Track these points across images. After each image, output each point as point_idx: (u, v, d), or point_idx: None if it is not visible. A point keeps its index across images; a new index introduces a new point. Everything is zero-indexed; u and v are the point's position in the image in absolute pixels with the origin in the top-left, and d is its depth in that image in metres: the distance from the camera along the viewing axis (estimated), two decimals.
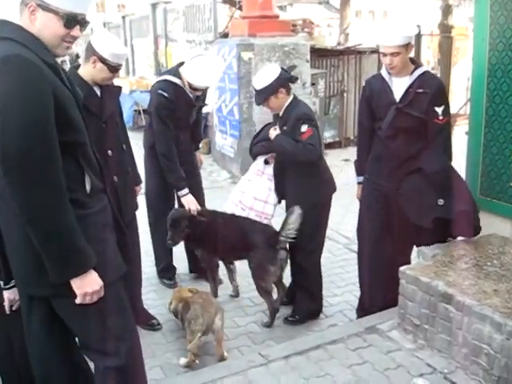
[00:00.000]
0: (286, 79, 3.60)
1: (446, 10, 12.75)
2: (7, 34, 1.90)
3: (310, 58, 8.05)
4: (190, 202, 4.03)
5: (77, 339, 2.33)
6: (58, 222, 1.88)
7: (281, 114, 3.65)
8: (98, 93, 3.32)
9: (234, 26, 8.48)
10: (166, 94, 4.03)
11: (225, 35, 9.06)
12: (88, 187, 2.09)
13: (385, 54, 3.25)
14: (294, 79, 3.69)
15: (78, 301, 1.99)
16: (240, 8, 8.77)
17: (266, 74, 3.59)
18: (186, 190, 4.07)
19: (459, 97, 11.62)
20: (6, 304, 2.40)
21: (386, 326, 3.45)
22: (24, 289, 2.15)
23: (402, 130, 3.36)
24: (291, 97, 3.64)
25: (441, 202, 3.29)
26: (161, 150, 4.05)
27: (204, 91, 4.31)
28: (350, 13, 15.51)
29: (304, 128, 3.50)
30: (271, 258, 3.70)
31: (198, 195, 4.32)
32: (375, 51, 9.60)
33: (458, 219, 3.28)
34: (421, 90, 3.25)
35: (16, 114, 1.79)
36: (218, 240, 3.76)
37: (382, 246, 3.57)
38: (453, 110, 11.52)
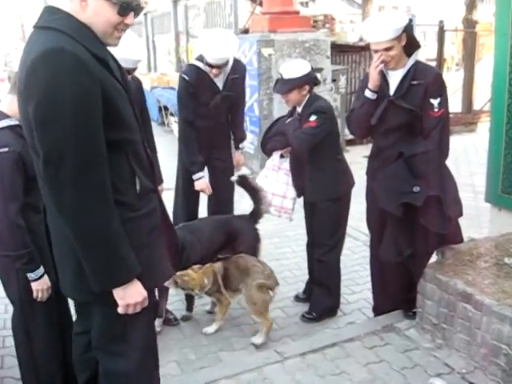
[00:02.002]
0: (313, 78, 3.59)
1: (471, 5, 12.55)
2: (53, 24, 1.76)
3: (332, 54, 8.00)
4: (200, 185, 4.10)
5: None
6: (100, 229, 1.76)
7: (300, 111, 3.63)
8: None
9: (255, 21, 8.45)
10: (186, 77, 4.04)
11: (245, 31, 9.04)
12: (138, 188, 1.94)
13: (377, 51, 3.11)
14: (318, 82, 3.69)
15: (120, 311, 1.89)
16: (260, 4, 8.74)
17: (297, 67, 3.56)
18: (199, 175, 4.10)
19: (484, 93, 11.43)
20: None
21: (403, 325, 3.42)
22: (65, 292, 2.08)
23: (393, 126, 3.22)
24: (309, 94, 3.62)
25: (416, 188, 3.07)
26: (179, 133, 4.05)
27: (233, 79, 4.18)
28: (372, 8, 15.35)
29: (312, 118, 3.50)
30: (256, 237, 3.90)
31: (226, 196, 4.32)
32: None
33: (426, 206, 3.06)
34: (415, 82, 3.11)
35: (55, 113, 1.68)
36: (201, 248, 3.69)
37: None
38: (477, 106, 11.43)
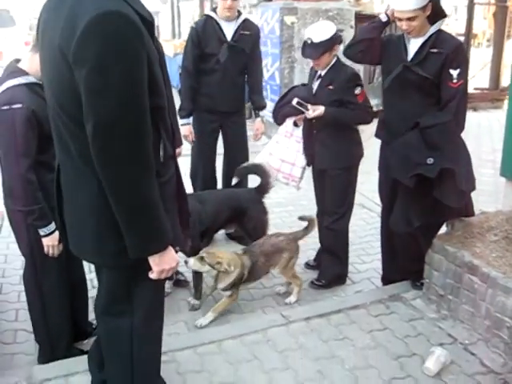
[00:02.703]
0: (339, 37, 3.55)
1: None
2: None
3: (357, 25, 7.87)
4: (184, 131, 4.20)
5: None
6: (145, 197, 1.75)
7: (323, 74, 3.58)
8: None
9: None
10: (194, 25, 4.13)
11: None
12: (162, 154, 1.92)
13: (400, 19, 3.08)
14: (342, 40, 3.67)
15: (153, 276, 1.89)
16: None
17: (324, 29, 3.49)
18: (182, 121, 4.19)
19: None
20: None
21: (410, 295, 3.44)
22: (81, 255, 2.06)
23: (406, 94, 3.20)
24: (336, 57, 3.58)
25: (430, 160, 3.03)
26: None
27: (244, 35, 4.20)
28: None
29: (358, 90, 3.49)
30: (264, 210, 3.95)
31: (239, 160, 4.32)
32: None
33: (439, 178, 3.04)
34: (435, 50, 3.07)
35: (112, 78, 1.61)
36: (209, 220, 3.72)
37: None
38: (505, 83, 11.17)
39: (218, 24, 4.12)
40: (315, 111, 3.50)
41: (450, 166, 3.03)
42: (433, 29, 3.11)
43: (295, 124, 3.80)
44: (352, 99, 3.48)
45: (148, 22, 1.77)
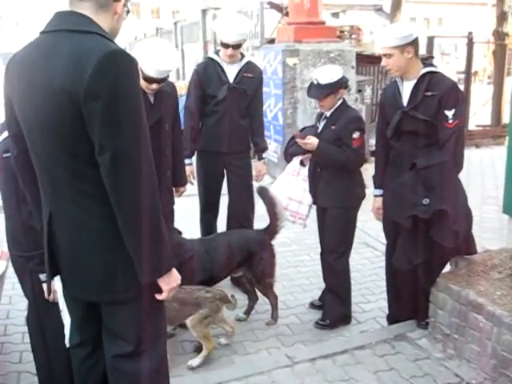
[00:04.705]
0: (345, 82, 3.65)
1: (501, 18, 12.46)
2: (93, 29, 1.82)
3: (358, 65, 8.00)
4: (187, 171, 4.19)
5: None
6: (157, 217, 1.86)
7: (328, 114, 3.67)
8: (152, 99, 3.48)
9: (281, 32, 8.53)
10: (196, 67, 4.25)
11: (271, 41, 9.13)
12: None
13: (383, 55, 3.23)
14: (348, 85, 3.78)
15: (163, 297, 1.98)
16: (287, 14, 8.82)
17: (332, 72, 3.61)
18: (186, 161, 4.18)
19: None
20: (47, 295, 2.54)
21: (415, 334, 3.42)
22: (85, 296, 2.05)
23: (408, 136, 3.27)
24: (342, 99, 3.68)
25: (426, 201, 3.09)
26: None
27: (246, 77, 4.25)
28: (401, 19, 15.29)
29: (356, 135, 3.54)
30: (272, 253, 3.86)
31: (242, 204, 4.35)
32: (424, 58, 9.46)
33: (434, 219, 3.09)
34: (429, 93, 3.15)
35: (126, 109, 1.75)
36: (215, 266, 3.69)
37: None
38: (506, 119, 11.29)
39: (220, 66, 4.21)
40: (311, 141, 3.59)
41: (444, 207, 3.07)
42: (422, 71, 3.20)
43: (302, 163, 3.86)
44: (347, 141, 3.54)
45: None
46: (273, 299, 3.90)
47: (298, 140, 3.68)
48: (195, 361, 3.32)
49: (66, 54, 1.75)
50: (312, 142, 3.59)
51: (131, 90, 1.78)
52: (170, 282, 1.96)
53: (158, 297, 1.98)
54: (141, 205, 1.80)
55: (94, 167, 1.78)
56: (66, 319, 2.45)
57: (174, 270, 1.98)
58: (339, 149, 3.56)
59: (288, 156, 3.96)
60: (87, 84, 1.70)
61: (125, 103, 1.75)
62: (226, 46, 4.09)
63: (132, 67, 1.81)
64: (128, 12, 1.99)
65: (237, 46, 4.12)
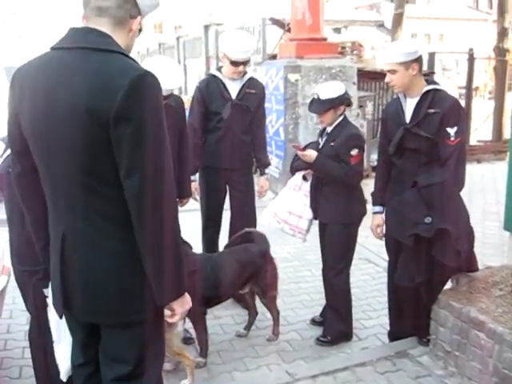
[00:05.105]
0: (347, 99, 3.68)
1: (502, 34, 12.54)
2: (115, 48, 1.81)
3: (360, 81, 8.04)
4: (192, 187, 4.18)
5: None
6: (177, 241, 1.87)
7: (329, 131, 3.70)
8: None
9: (282, 48, 8.59)
10: (198, 84, 4.26)
11: (273, 57, 9.19)
12: None
13: (387, 71, 3.25)
14: (351, 103, 3.80)
15: (174, 320, 1.98)
16: (288, 30, 8.89)
17: (333, 87, 3.64)
18: (192, 177, 4.20)
19: None
20: None
21: (417, 351, 3.41)
22: (96, 318, 2.00)
23: (409, 149, 3.29)
24: (342, 116, 3.70)
25: (428, 219, 3.10)
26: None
27: (249, 94, 4.27)
28: (402, 35, 15.38)
29: (354, 152, 3.56)
30: (274, 264, 3.87)
31: (244, 220, 4.31)
32: (426, 74, 9.52)
33: (436, 237, 3.10)
34: (432, 111, 3.17)
35: (155, 132, 1.76)
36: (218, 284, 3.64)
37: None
38: (507, 134, 11.33)
39: (222, 83, 4.23)
40: (309, 153, 3.61)
41: (446, 226, 3.08)
42: (425, 88, 3.22)
43: (304, 178, 3.88)
44: (345, 158, 3.56)
45: None
46: (275, 313, 3.89)
47: (297, 151, 3.71)
48: (187, 381, 3.24)
49: (91, 73, 1.72)
50: (310, 154, 3.62)
51: (160, 113, 1.78)
52: (184, 304, 1.95)
53: (170, 320, 1.97)
54: (164, 227, 1.80)
55: (114, 188, 1.77)
56: (60, 352, 2.39)
57: (186, 293, 1.95)
58: (337, 164, 3.58)
59: (293, 170, 3.99)
60: (119, 106, 1.68)
61: (154, 126, 1.75)
62: (235, 63, 4.11)
63: (160, 89, 1.81)
64: (140, 30, 1.98)
65: (246, 63, 4.18)
